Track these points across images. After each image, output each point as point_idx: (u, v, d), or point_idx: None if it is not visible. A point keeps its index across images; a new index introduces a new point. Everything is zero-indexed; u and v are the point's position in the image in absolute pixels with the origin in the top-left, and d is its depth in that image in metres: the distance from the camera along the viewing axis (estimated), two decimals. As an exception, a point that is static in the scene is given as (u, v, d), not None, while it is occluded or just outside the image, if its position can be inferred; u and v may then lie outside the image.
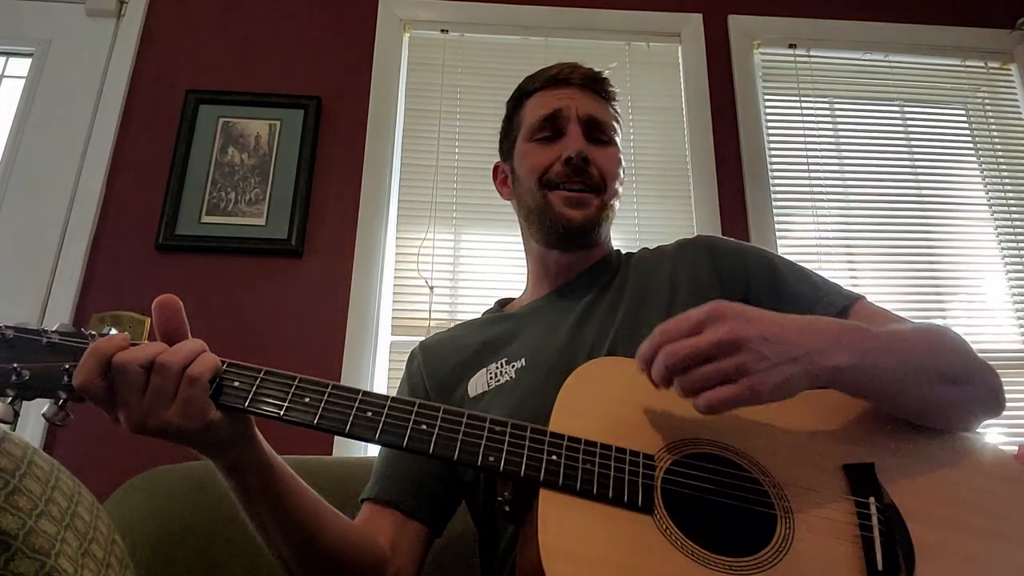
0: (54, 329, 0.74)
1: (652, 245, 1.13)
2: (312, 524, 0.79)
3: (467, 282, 2.05)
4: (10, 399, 0.71)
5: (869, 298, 0.94)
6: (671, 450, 0.73)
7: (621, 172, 1.07)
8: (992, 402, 0.79)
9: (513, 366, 0.96)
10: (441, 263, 2.05)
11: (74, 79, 2.12)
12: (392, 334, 1.98)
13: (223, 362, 0.71)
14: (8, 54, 2.19)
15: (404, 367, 1.09)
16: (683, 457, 0.72)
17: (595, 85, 1.07)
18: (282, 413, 0.70)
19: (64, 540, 0.75)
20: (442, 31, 2.29)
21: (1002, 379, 0.81)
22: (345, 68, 2.19)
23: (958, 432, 0.78)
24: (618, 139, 1.08)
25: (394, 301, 2.01)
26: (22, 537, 0.70)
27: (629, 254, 1.13)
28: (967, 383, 0.77)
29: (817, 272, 1.00)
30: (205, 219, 1.99)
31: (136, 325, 1.83)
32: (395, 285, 2.03)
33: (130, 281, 1.94)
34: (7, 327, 0.73)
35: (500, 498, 0.74)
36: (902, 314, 0.92)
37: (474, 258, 2.08)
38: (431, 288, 2.01)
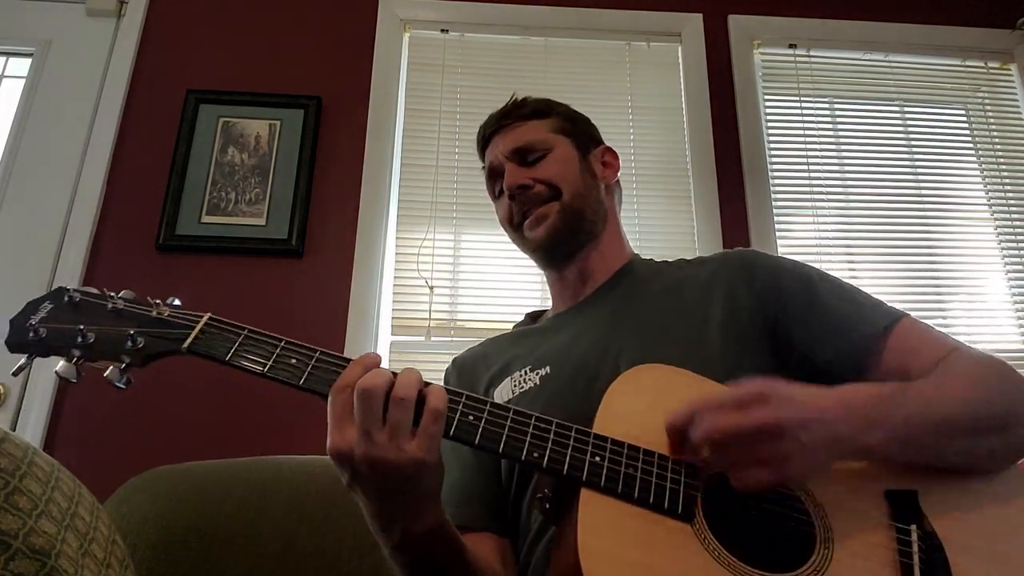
0: (119, 295, 0.77)
1: (655, 246, 1.13)
2: (474, 570, 0.81)
3: (467, 282, 2.05)
4: (75, 359, 0.73)
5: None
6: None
7: (574, 167, 1.08)
8: None
9: (538, 373, 0.97)
10: (441, 263, 2.05)
11: (74, 79, 2.12)
12: (392, 334, 1.98)
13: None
14: (8, 54, 2.19)
15: (433, 347, 1.13)
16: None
17: (510, 119, 1.11)
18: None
19: (64, 540, 0.75)
20: (442, 31, 2.29)
21: None
22: (345, 68, 2.19)
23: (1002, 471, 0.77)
24: (559, 142, 1.09)
25: (394, 301, 2.01)
26: (22, 537, 0.70)
27: (665, 262, 1.12)
28: (1013, 427, 0.76)
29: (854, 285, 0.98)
30: (205, 219, 1.99)
31: (136, 325, 1.83)
32: (395, 285, 2.03)
33: (130, 281, 1.92)
34: (75, 290, 0.76)
35: (540, 495, 0.74)
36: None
37: (474, 258, 2.08)
38: (431, 288, 2.01)
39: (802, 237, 2.16)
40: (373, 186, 2.06)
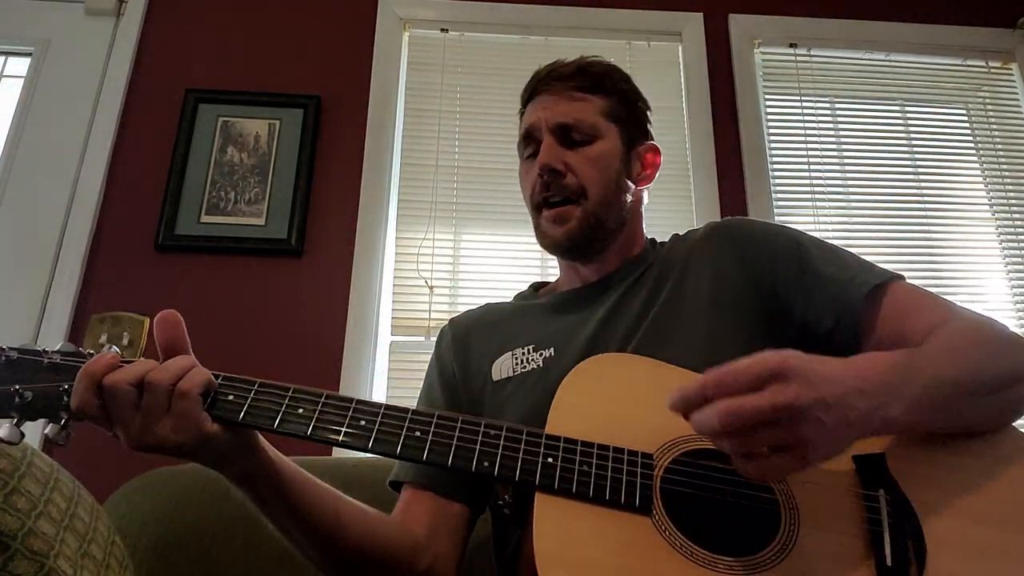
0: (55, 349, 0.74)
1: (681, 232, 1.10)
2: (333, 524, 0.79)
3: (467, 282, 2.04)
4: (15, 420, 0.70)
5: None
6: (670, 447, 0.72)
7: (613, 165, 1.01)
8: None
9: (541, 354, 0.95)
10: (441, 263, 2.05)
11: (73, 78, 2.12)
12: (392, 334, 1.98)
13: (217, 376, 0.72)
14: (7, 53, 2.19)
15: (433, 346, 1.09)
16: (683, 454, 0.71)
17: (571, 82, 1.02)
18: (275, 425, 0.70)
19: (63, 541, 0.75)
20: (442, 30, 2.29)
21: None
22: (345, 67, 2.18)
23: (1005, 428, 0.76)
24: (608, 131, 1.01)
25: (394, 301, 2.01)
26: (21, 538, 0.69)
27: (662, 243, 1.10)
28: (1013, 384, 0.75)
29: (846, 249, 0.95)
30: (204, 219, 1.99)
31: (135, 325, 1.82)
32: (395, 285, 2.02)
33: (129, 281, 1.93)
34: (10, 348, 0.73)
35: (500, 501, 0.74)
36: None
37: (474, 258, 2.07)
38: (431, 288, 2.01)
39: (803, 237, 2.15)
40: (373, 186, 2.06)
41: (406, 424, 0.71)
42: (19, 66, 2.16)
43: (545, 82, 1.03)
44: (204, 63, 2.17)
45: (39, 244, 1.94)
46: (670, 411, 0.66)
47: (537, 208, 1.01)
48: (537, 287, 1.15)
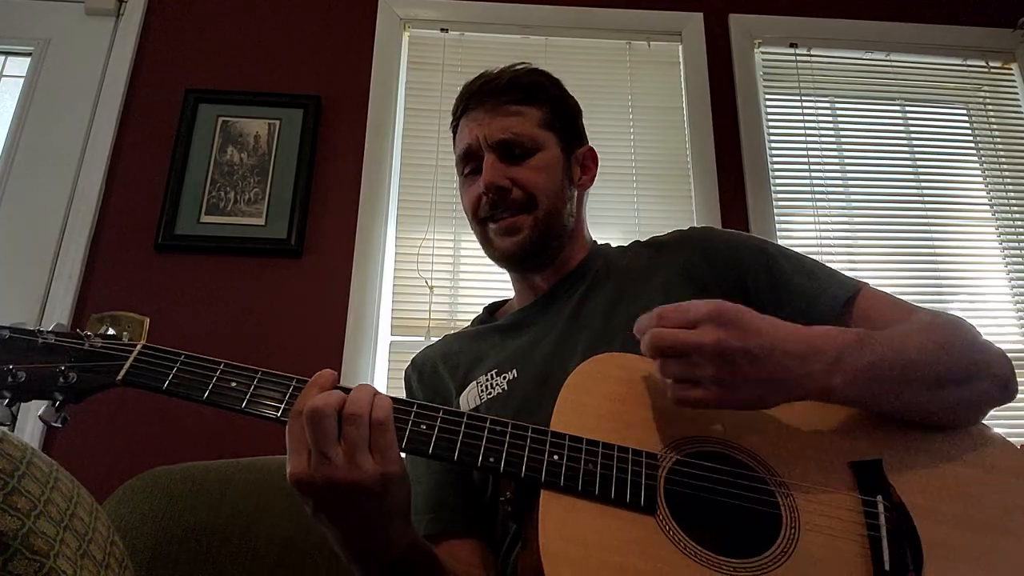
0: (50, 329, 0.73)
1: (644, 239, 1.10)
2: None
3: (467, 282, 2.04)
4: (6, 401, 0.69)
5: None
6: (675, 448, 0.72)
7: (556, 175, 1.01)
8: (1001, 392, 0.78)
9: (504, 377, 0.95)
10: (441, 263, 2.05)
11: (73, 78, 2.12)
12: (392, 334, 1.98)
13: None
14: (7, 53, 2.19)
15: (403, 383, 1.08)
16: (687, 455, 0.71)
17: (505, 96, 1.00)
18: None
19: (63, 541, 0.75)
20: (442, 30, 2.28)
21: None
22: (345, 67, 2.18)
23: (965, 427, 0.77)
24: (547, 140, 1.01)
25: (394, 301, 2.01)
26: (20, 538, 0.69)
27: (620, 248, 1.09)
28: (973, 380, 0.76)
29: (811, 258, 0.98)
30: (204, 219, 1.99)
31: (135, 325, 1.82)
32: (395, 285, 2.02)
33: (129, 281, 1.93)
34: (3, 327, 0.72)
35: (502, 498, 0.73)
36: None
37: (474, 258, 2.07)
38: (431, 288, 2.01)
39: (803, 237, 2.15)
40: (373, 186, 2.06)
41: (411, 418, 0.71)
42: (19, 66, 2.16)
43: (478, 97, 1.02)
44: (204, 63, 2.17)
45: (39, 244, 1.94)
46: (673, 411, 0.69)
47: (482, 223, 1.02)
48: (493, 308, 1.15)
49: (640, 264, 1.02)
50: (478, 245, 2.22)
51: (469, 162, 1.02)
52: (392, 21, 2.25)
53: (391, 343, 1.97)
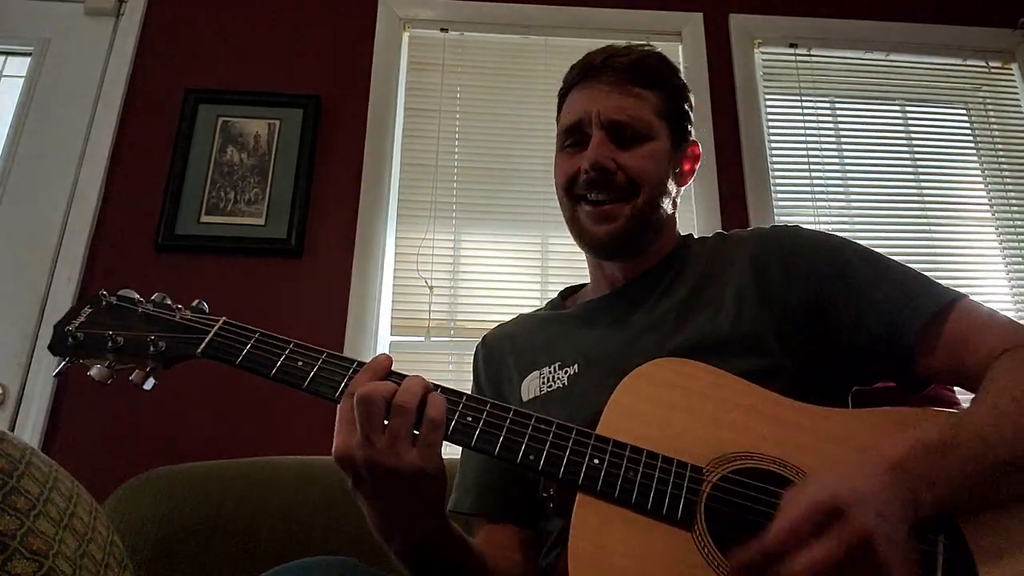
0: (152, 298, 0.81)
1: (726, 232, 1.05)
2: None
3: (467, 282, 2.04)
4: (108, 363, 0.76)
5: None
6: (723, 463, 0.69)
7: (663, 166, 0.96)
8: None
9: (566, 371, 0.93)
10: (441, 263, 2.05)
11: (73, 78, 2.12)
12: (392, 334, 1.98)
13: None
14: (7, 53, 2.18)
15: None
16: (735, 472, 0.69)
17: (628, 75, 0.95)
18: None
19: (62, 541, 0.75)
20: (442, 30, 2.28)
21: None
22: (345, 67, 2.18)
23: None
24: (660, 130, 0.96)
25: (394, 301, 2.01)
26: (20, 538, 0.69)
27: (702, 241, 1.04)
28: None
29: (905, 265, 0.89)
30: (204, 219, 1.99)
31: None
32: (395, 285, 2.02)
33: (129, 281, 1.90)
34: (111, 294, 0.81)
35: (545, 494, 0.73)
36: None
37: (474, 258, 2.07)
38: (431, 288, 2.01)
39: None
40: (372, 186, 2.06)
41: (459, 409, 0.72)
42: (19, 66, 2.16)
43: (599, 70, 0.96)
44: (204, 63, 2.17)
45: (39, 244, 1.94)
46: (726, 424, 0.66)
47: (575, 200, 0.96)
48: (566, 294, 1.12)
49: (715, 268, 0.96)
50: (478, 245, 2.23)
51: (573, 135, 0.97)
52: (392, 21, 2.25)
53: (391, 343, 1.97)
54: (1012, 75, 2.38)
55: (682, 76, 1.03)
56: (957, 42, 2.36)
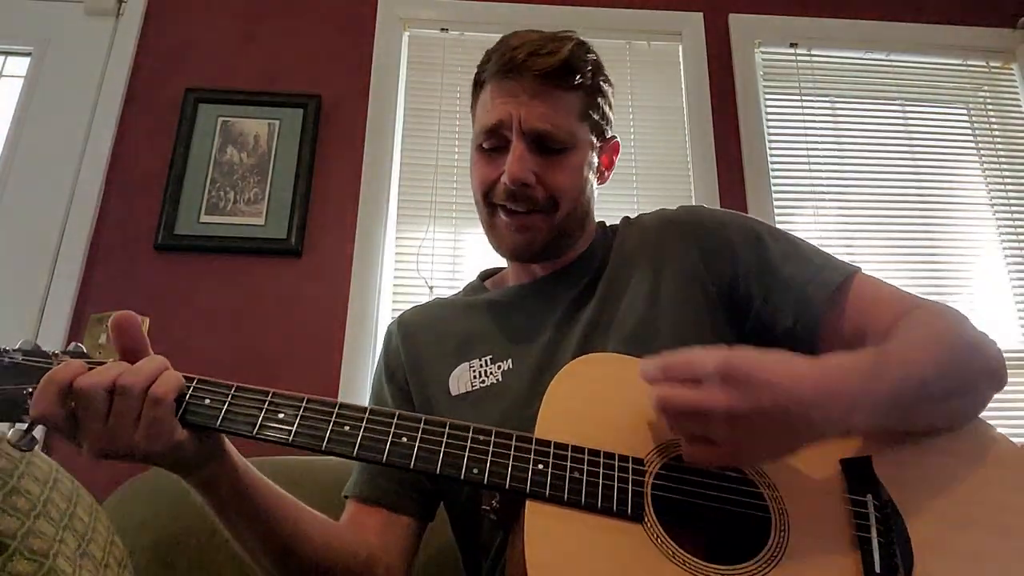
0: (16, 348, 0.70)
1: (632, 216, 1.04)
2: (292, 534, 0.77)
3: (467, 282, 2.03)
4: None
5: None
6: (662, 451, 0.70)
7: (582, 177, 0.94)
8: (996, 390, 0.77)
9: (499, 367, 0.92)
10: (441, 263, 2.05)
11: (73, 78, 2.12)
12: (392, 334, 1.98)
13: (190, 379, 0.69)
14: (6, 53, 2.18)
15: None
16: (674, 459, 0.70)
17: (552, 78, 0.90)
18: (255, 431, 0.68)
19: (62, 541, 0.75)
20: (442, 30, 2.28)
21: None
22: (345, 67, 2.18)
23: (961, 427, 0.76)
24: (583, 135, 0.93)
25: (394, 301, 2.01)
26: (20, 538, 0.69)
27: (613, 230, 1.04)
28: (977, 387, 0.75)
29: (806, 240, 0.94)
30: (204, 219, 1.99)
31: (135, 325, 1.82)
32: (395, 285, 2.02)
33: (129, 281, 1.93)
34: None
35: (486, 507, 0.72)
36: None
37: (474, 258, 2.07)
38: (431, 288, 2.01)
39: (803, 237, 2.14)
40: (372, 185, 2.06)
41: (392, 429, 0.69)
42: (19, 66, 2.16)
43: (519, 70, 0.90)
44: (204, 63, 2.17)
45: (39, 244, 1.94)
46: (660, 413, 0.66)
47: (493, 207, 0.94)
48: (485, 276, 1.11)
49: (629, 253, 0.97)
50: (478, 245, 2.22)
51: (492, 137, 0.92)
52: (392, 21, 2.25)
53: (391, 343, 1.96)
54: (1012, 75, 2.38)
55: (603, 68, 0.99)
56: (957, 42, 2.36)
